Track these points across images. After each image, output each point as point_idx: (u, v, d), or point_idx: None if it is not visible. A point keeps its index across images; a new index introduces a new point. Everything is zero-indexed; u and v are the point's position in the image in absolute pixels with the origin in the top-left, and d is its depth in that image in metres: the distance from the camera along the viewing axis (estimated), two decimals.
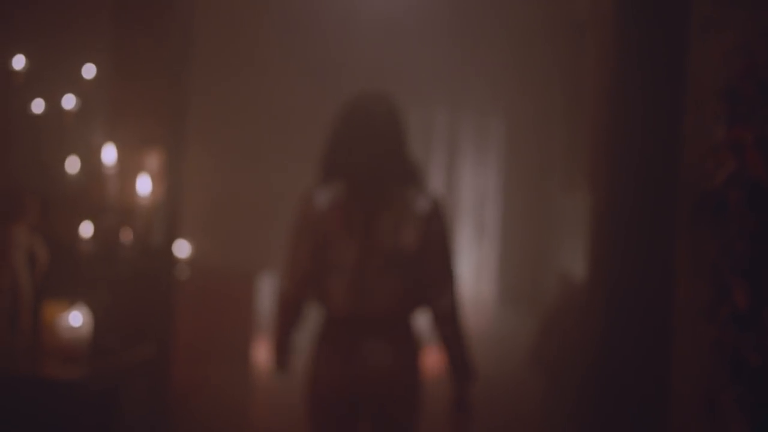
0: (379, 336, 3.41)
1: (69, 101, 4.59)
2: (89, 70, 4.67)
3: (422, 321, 3.61)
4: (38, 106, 4.59)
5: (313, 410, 3.50)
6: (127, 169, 4.58)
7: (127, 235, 4.51)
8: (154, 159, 4.72)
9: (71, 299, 4.23)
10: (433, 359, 4.19)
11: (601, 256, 5.26)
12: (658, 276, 4.75)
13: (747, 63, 3.25)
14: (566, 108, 8.49)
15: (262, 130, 9.11)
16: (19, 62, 4.51)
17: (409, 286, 3.42)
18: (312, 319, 3.69)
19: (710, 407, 3.29)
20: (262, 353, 7.85)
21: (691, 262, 3.62)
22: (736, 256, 3.14)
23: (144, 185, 4.50)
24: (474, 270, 9.83)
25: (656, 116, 4.90)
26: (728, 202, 3.19)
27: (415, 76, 9.54)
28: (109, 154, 4.51)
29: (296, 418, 6.34)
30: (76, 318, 4.18)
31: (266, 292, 8.10)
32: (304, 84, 9.19)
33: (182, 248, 7.19)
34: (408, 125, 3.50)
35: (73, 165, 4.65)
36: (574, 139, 8.06)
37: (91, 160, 4.56)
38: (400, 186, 3.42)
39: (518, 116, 9.67)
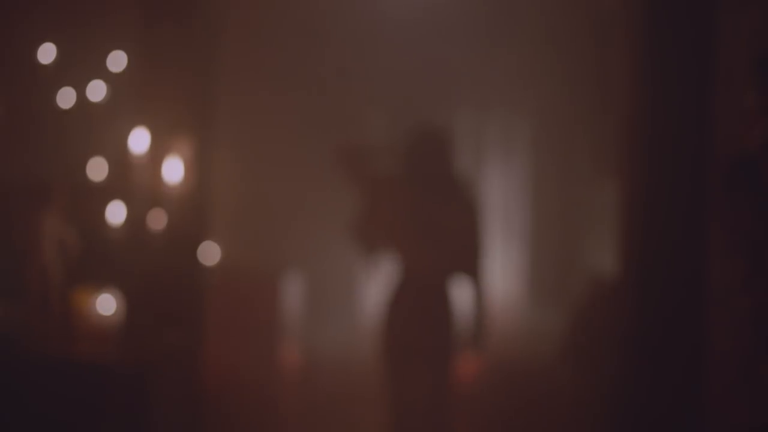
0: (429, 295, 4.77)
1: (98, 89, 4.61)
2: (118, 58, 4.68)
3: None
4: (67, 94, 4.60)
5: (387, 344, 4.81)
6: (157, 155, 4.59)
7: (157, 222, 4.52)
8: (183, 147, 4.73)
9: (102, 285, 4.25)
10: (464, 367, 5.13)
11: (631, 242, 5.23)
12: (690, 258, 4.71)
13: None
14: (593, 102, 8.47)
15: (289, 132, 9.12)
16: (48, 51, 4.53)
17: (450, 257, 4.76)
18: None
19: (748, 379, 3.25)
20: (288, 353, 7.86)
21: (724, 235, 3.59)
22: None
23: (173, 171, 4.51)
24: (503, 268, 9.80)
25: (685, 100, 4.88)
26: (762, 169, 3.17)
27: (439, 77, 9.54)
28: (138, 140, 4.52)
29: (322, 413, 6.37)
30: (107, 303, 4.20)
31: (292, 292, 8.10)
32: (330, 85, 9.20)
33: (211, 252, 7.19)
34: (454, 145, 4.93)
35: (103, 152, 4.66)
36: (602, 133, 8.03)
37: (121, 146, 4.57)
38: (447, 186, 4.82)
39: (544, 114, 9.64)
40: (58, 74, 4.56)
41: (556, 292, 9.37)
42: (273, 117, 9.05)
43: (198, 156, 4.83)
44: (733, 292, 3.42)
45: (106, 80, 4.61)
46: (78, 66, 4.62)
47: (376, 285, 7.84)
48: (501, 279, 9.77)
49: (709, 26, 4.43)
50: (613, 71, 6.50)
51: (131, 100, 4.78)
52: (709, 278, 3.77)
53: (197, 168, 4.81)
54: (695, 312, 4.36)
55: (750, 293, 3.25)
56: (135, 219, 4.55)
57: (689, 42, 4.90)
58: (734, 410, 3.40)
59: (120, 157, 4.61)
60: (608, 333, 5.82)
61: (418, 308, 4.80)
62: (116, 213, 4.47)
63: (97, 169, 4.65)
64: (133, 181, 4.55)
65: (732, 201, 3.43)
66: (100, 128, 4.65)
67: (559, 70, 9.24)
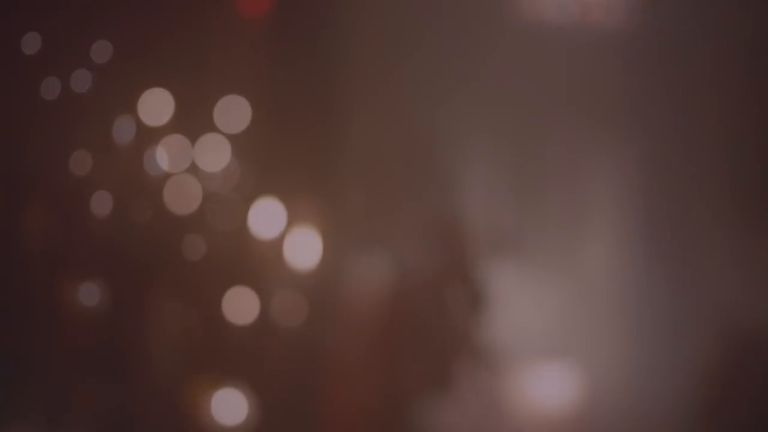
0: (424, 293, 4.83)
1: (83, 79, 4.60)
2: (103, 47, 4.67)
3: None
4: (52, 84, 4.60)
5: (380, 343, 4.89)
6: (143, 146, 4.59)
7: (143, 212, 4.52)
8: (169, 137, 4.73)
9: (86, 276, 4.25)
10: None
11: (624, 235, 5.24)
12: (678, 248, 4.72)
13: None
14: (582, 93, 8.47)
15: (278, 124, 9.11)
16: (33, 40, 4.52)
17: (441, 251, 4.81)
18: None
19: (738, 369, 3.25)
20: (276, 347, 7.84)
21: (721, 215, 3.59)
22: None
23: (158, 161, 4.52)
24: (494, 265, 9.80)
25: (673, 90, 4.88)
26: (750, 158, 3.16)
27: (423, 75, 9.54)
28: (124, 131, 4.53)
29: (310, 411, 6.36)
30: (91, 294, 4.20)
31: (281, 289, 8.08)
32: (313, 84, 9.18)
33: (197, 245, 7.19)
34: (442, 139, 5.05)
35: (87, 142, 4.65)
36: (591, 126, 8.04)
37: (106, 137, 4.57)
38: (438, 184, 4.95)
39: (532, 107, 9.65)
40: (41, 65, 4.56)
41: (548, 286, 9.37)
42: (260, 109, 9.04)
43: (184, 146, 4.82)
44: (727, 268, 3.43)
45: (90, 69, 4.60)
46: (62, 56, 4.61)
47: (368, 282, 7.84)
48: (492, 275, 9.77)
49: (696, 16, 4.43)
50: (602, 63, 6.50)
51: (117, 91, 4.77)
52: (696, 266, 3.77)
53: (184, 159, 4.80)
54: (685, 301, 4.37)
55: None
56: (120, 210, 4.55)
57: (676, 31, 4.91)
58: (727, 399, 3.40)
59: (105, 148, 4.62)
60: (600, 325, 5.82)
61: (413, 306, 4.96)
62: (101, 204, 4.48)
63: (82, 160, 4.65)
64: (118, 172, 4.56)
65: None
66: (86, 117, 4.64)
67: (547, 62, 9.24)
